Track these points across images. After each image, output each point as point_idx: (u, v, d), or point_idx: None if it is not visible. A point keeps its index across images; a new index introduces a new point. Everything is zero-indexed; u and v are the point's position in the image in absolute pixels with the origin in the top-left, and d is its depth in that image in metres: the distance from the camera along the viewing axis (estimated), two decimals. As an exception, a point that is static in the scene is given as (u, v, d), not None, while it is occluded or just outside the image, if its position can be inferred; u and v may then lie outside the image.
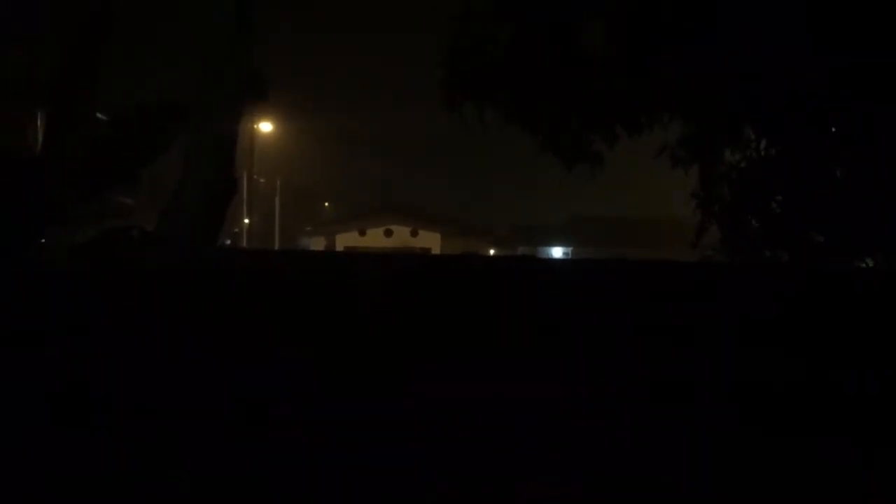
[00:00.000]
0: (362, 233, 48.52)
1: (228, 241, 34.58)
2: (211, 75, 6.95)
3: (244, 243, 36.90)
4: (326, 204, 57.91)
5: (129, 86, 7.70)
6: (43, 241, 7.25)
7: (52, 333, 4.98)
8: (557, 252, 45.85)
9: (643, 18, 8.93)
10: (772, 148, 9.44)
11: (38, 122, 6.78)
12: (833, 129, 9.15)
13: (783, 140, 9.36)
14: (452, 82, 9.71)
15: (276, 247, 38.82)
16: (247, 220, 38.08)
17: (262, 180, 42.18)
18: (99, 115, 6.96)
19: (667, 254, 16.46)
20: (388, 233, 48.86)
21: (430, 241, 47.14)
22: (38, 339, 4.85)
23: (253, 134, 37.20)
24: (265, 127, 38.79)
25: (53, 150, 6.76)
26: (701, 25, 8.75)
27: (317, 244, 45.40)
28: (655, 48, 8.90)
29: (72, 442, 3.50)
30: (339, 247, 44.76)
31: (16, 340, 4.77)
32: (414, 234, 48.78)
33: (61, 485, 3.09)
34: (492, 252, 43.86)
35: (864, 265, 8.90)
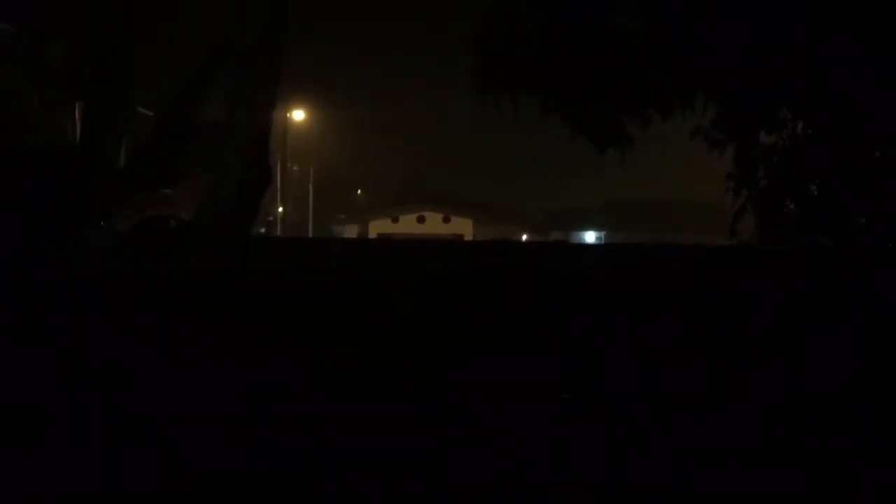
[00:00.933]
0: (395, 220, 48.56)
1: (263, 230, 34.83)
2: (244, 65, 6.96)
3: (278, 231, 37.10)
4: (359, 192, 58.07)
5: (163, 82, 7.73)
6: (84, 231, 7.31)
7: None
8: (590, 237, 45.64)
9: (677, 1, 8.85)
10: (809, 129, 9.31)
11: (77, 118, 6.83)
12: (871, 108, 9.00)
13: (820, 120, 9.22)
14: (484, 70, 9.66)
15: (310, 234, 38.97)
16: (280, 209, 38.27)
17: (295, 168, 42.36)
18: (140, 111, 7.00)
19: (702, 238, 16.32)
20: (421, 219, 48.86)
21: (463, 227, 47.08)
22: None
23: (286, 122, 37.35)
24: (298, 115, 38.93)
25: (90, 147, 6.80)
26: (736, 7, 8.65)
27: (350, 231, 45.53)
28: (690, 31, 8.80)
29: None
30: (373, 233, 44.85)
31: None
32: (446, 220, 48.73)
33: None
34: (524, 238, 43.77)
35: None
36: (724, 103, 9.47)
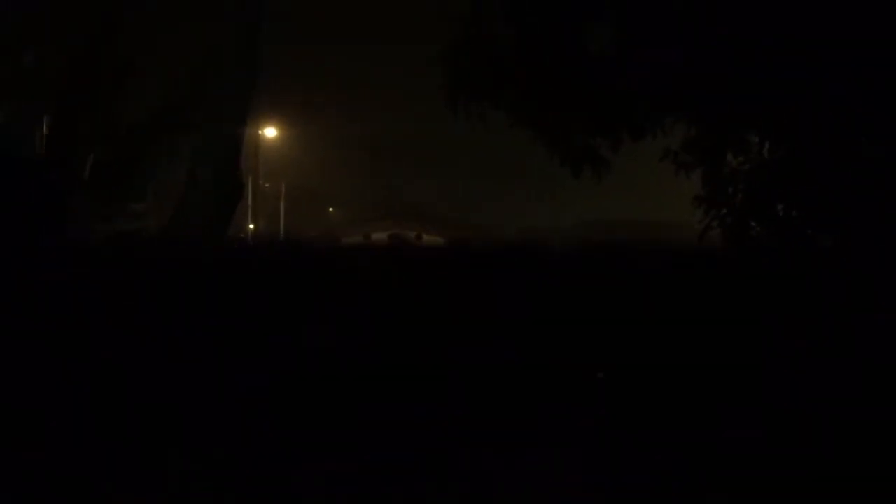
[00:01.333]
0: (367, 237, 48.50)
1: (234, 246, 34.57)
2: (217, 80, 6.98)
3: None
4: (331, 209, 57.91)
5: (135, 91, 7.72)
6: (51, 242, 7.26)
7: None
8: (563, 256, 45.58)
9: (646, 20, 8.93)
10: (776, 151, 9.42)
11: (44, 126, 6.81)
12: (842, 131, 9.13)
13: (788, 142, 9.34)
14: (454, 83, 9.68)
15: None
16: (252, 225, 38.10)
17: (266, 185, 42.22)
18: (108, 120, 7.00)
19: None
20: (394, 237, 48.82)
21: (435, 244, 47.08)
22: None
23: (257, 139, 37.24)
24: (270, 132, 38.84)
25: (59, 153, 6.78)
26: (706, 28, 8.74)
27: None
28: (659, 49, 8.89)
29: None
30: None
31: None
32: (419, 237, 48.74)
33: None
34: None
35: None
36: (691, 127, 9.58)
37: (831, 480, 3.82)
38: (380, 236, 50.57)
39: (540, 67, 9.37)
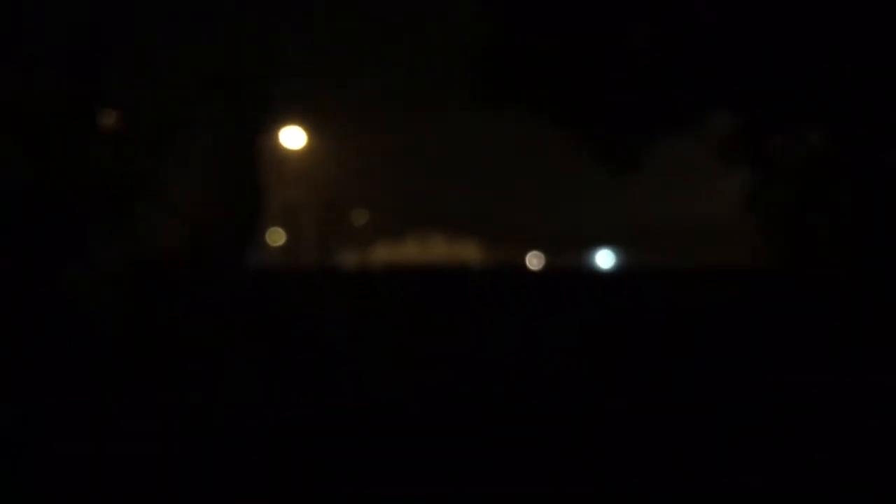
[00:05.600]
0: (398, 244, 48.35)
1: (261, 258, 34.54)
2: (234, 90, 6.62)
3: (279, 259, 36.77)
4: (360, 216, 57.95)
5: (147, 99, 7.37)
6: (69, 266, 6.97)
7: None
8: (605, 257, 45.29)
9: (685, 20, 8.60)
10: (830, 145, 8.99)
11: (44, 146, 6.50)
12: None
13: (842, 135, 8.89)
14: (489, 86, 9.34)
15: (311, 261, 38.64)
16: (278, 236, 38.01)
17: (294, 195, 42.18)
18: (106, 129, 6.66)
19: (718, 260, 15.94)
20: (425, 243, 48.66)
21: (469, 250, 46.78)
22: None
23: (281, 149, 37.15)
24: (294, 143, 38.77)
25: (67, 175, 6.43)
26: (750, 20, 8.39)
27: (351, 258, 45.22)
28: (702, 45, 8.55)
29: None
30: (375, 259, 44.53)
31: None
32: (450, 242, 48.51)
33: None
34: (534, 260, 43.40)
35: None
36: (739, 118, 9.18)
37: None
38: (410, 241, 50.47)
39: (573, 68, 9.04)
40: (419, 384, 5.42)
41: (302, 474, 4.20)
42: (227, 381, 5.08)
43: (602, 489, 3.87)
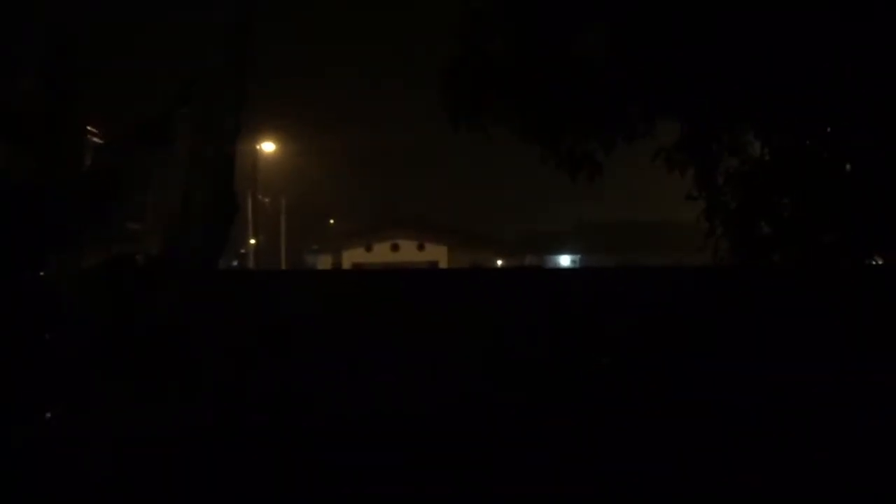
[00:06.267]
0: (368, 248, 48.40)
1: (235, 263, 34.57)
2: (208, 95, 6.89)
3: (251, 263, 36.83)
4: (332, 221, 57.90)
5: (123, 103, 7.64)
6: (46, 268, 7.16)
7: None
8: (565, 260, 45.65)
9: (640, 26, 8.91)
10: (772, 148, 9.37)
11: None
12: (840, 123, 9.07)
13: (787, 140, 9.28)
14: (455, 99, 9.67)
15: (283, 265, 38.72)
16: (252, 241, 38.04)
17: (266, 200, 42.19)
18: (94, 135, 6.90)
19: (674, 258, 16.37)
20: (395, 247, 48.74)
21: (437, 254, 47.00)
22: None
23: (256, 154, 37.20)
24: (268, 147, 38.80)
25: (48, 175, 6.68)
26: (699, 32, 8.72)
27: (324, 262, 45.28)
28: (651, 58, 8.88)
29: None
30: (346, 263, 44.65)
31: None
32: (420, 247, 48.64)
33: None
34: (499, 263, 43.70)
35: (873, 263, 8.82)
36: (684, 127, 9.54)
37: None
38: (382, 246, 50.61)
39: (535, 77, 9.36)
40: (399, 383, 5.45)
41: (284, 475, 4.13)
42: (205, 381, 5.22)
43: (599, 489, 3.63)
